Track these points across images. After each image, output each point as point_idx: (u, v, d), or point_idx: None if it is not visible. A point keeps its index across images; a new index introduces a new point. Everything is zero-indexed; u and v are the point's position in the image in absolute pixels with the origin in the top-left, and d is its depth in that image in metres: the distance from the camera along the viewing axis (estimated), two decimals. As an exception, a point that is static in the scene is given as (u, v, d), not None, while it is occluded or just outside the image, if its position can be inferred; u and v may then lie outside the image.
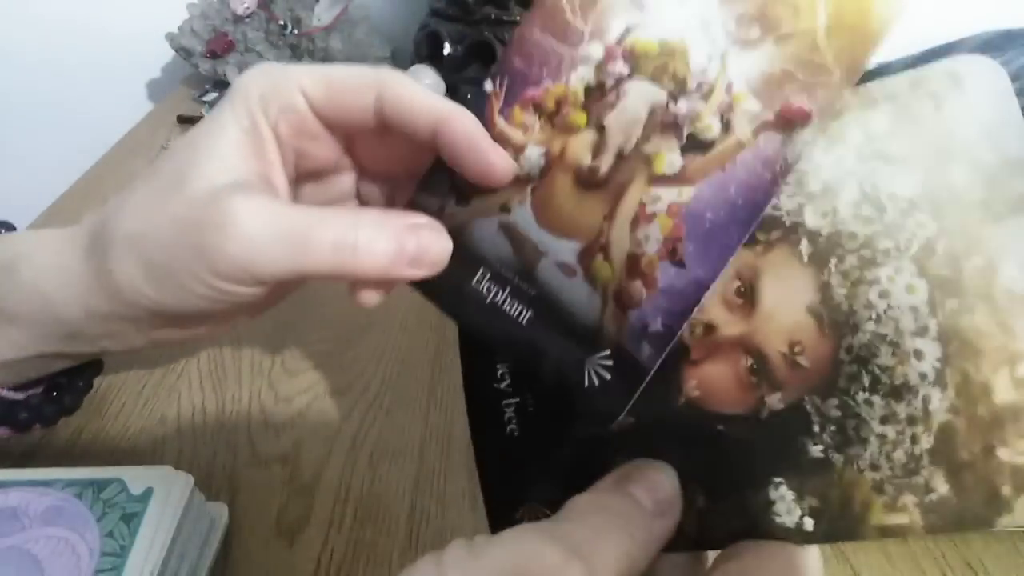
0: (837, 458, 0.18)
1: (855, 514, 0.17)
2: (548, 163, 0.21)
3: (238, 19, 0.64)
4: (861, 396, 0.18)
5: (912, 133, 0.18)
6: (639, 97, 0.20)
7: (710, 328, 0.19)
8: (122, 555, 0.23)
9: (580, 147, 0.20)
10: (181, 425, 0.33)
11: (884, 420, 0.18)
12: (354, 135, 0.24)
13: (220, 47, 0.64)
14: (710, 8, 0.20)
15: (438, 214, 0.21)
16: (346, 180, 0.25)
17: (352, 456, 0.32)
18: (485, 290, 0.21)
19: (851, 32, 0.19)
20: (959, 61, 0.18)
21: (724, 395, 0.19)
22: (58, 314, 0.23)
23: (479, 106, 0.21)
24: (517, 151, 0.21)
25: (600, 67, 0.21)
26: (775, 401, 0.18)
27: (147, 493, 0.24)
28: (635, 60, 0.20)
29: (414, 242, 0.20)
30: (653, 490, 0.17)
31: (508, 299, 0.20)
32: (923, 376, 0.17)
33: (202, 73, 0.66)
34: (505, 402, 0.22)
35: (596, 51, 0.21)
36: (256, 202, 0.20)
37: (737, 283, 0.19)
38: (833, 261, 0.18)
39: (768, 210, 0.19)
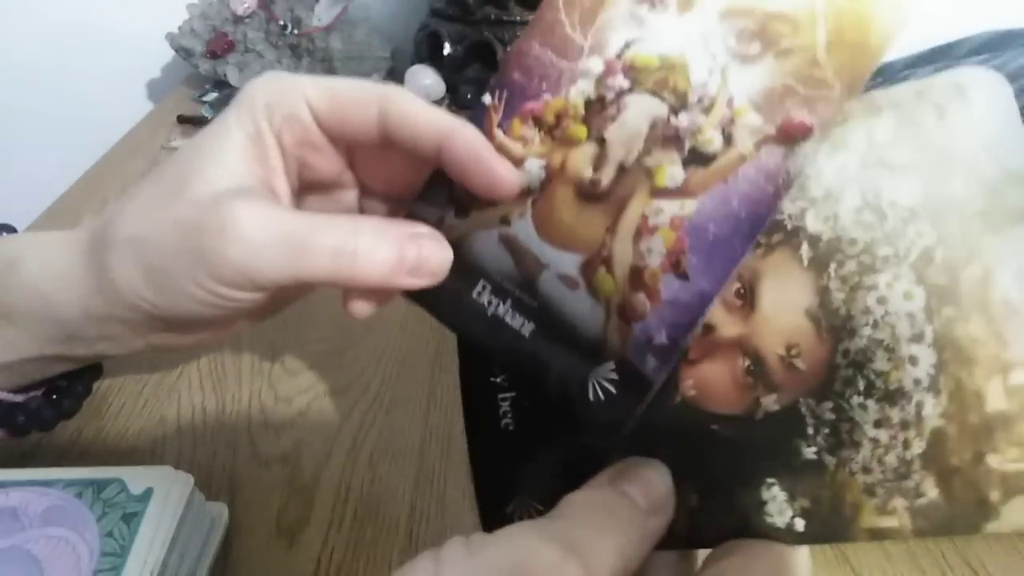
0: (830, 460, 0.18)
1: (846, 516, 0.18)
2: (548, 176, 0.21)
3: (238, 19, 0.64)
4: (856, 400, 0.18)
5: (915, 142, 0.18)
6: (640, 111, 0.20)
7: (708, 328, 0.19)
8: (122, 555, 0.23)
9: (581, 160, 0.20)
10: (181, 425, 0.33)
11: (878, 424, 0.18)
12: (357, 149, 0.24)
13: (220, 47, 0.64)
14: (710, 23, 0.20)
15: (437, 226, 0.21)
16: (349, 196, 0.25)
17: (352, 456, 0.32)
18: (486, 302, 0.21)
19: (851, 48, 0.19)
20: (964, 73, 0.18)
21: (720, 395, 0.19)
22: (57, 315, 0.23)
23: (478, 119, 0.21)
24: (517, 164, 0.21)
25: (600, 81, 0.21)
26: (770, 402, 0.19)
27: (147, 493, 0.24)
28: (635, 74, 0.20)
29: (414, 251, 0.20)
30: (647, 488, 0.17)
31: (509, 311, 0.20)
32: (917, 382, 0.18)
33: (202, 73, 0.66)
34: (501, 396, 0.22)
35: (596, 65, 0.21)
36: (257, 207, 0.20)
37: (737, 285, 0.19)
38: (833, 266, 0.19)
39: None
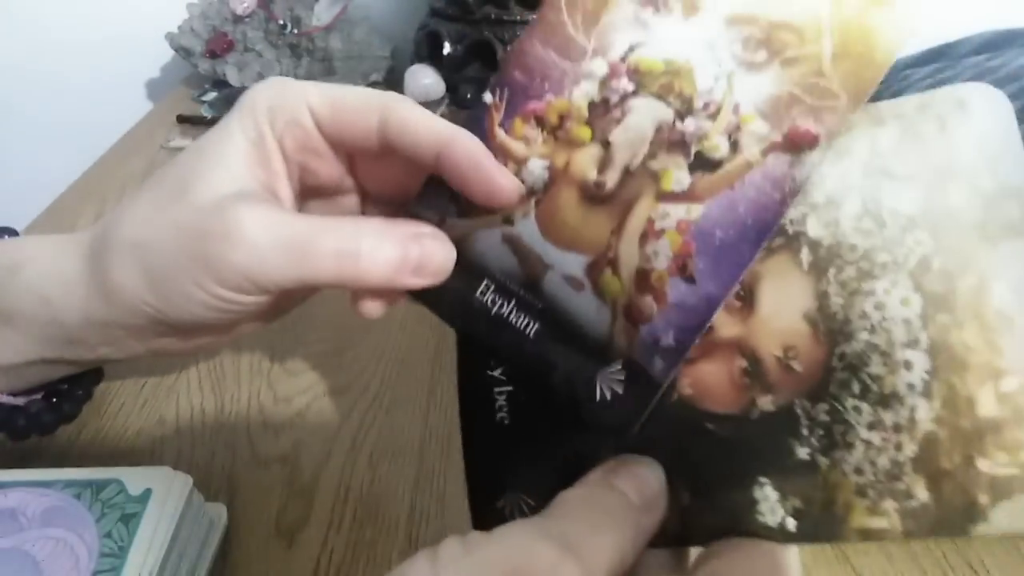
0: (823, 461, 0.18)
1: (837, 516, 0.18)
2: (552, 176, 0.21)
3: (238, 19, 0.64)
4: (850, 402, 0.18)
5: (916, 153, 0.19)
6: (645, 114, 0.20)
7: (707, 329, 0.19)
8: (121, 556, 0.23)
9: (585, 162, 0.20)
10: (180, 426, 0.33)
11: (871, 427, 0.18)
12: (357, 155, 0.24)
13: (220, 47, 0.64)
14: (716, 30, 0.20)
15: (439, 225, 0.21)
16: (350, 200, 0.25)
17: (352, 456, 0.32)
18: (490, 302, 0.20)
19: (856, 59, 0.19)
20: (966, 88, 0.19)
21: (716, 394, 0.19)
22: (59, 319, 0.23)
23: (479, 118, 0.21)
24: (519, 164, 0.21)
25: (604, 83, 0.21)
26: (766, 403, 0.19)
27: (146, 494, 0.24)
28: (640, 78, 0.20)
29: (417, 250, 0.20)
30: (640, 485, 0.17)
31: (514, 311, 0.20)
32: (911, 386, 0.18)
33: (202, 73, 0.66)
34: (497, 390, 0.22)
35: (599, 67, 0.21)
36: (260, 211, 0.20)
37: (737, 287, 0.19)
38: (832, 271, 0.19)
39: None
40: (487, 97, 0.21)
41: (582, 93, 0.21)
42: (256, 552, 0.28)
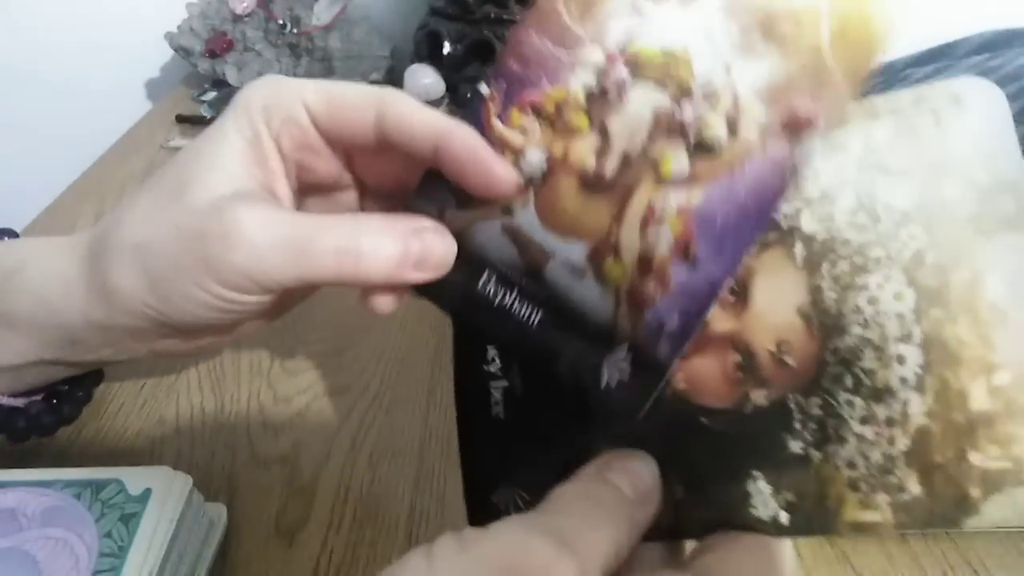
0: (815, 455, 0.18)
1: (829, 510, 0.18)
2: (550, 166, 0.21)
3: (237, 18, 0.64)
4: (843, 397, 0.18)
5: (911, 147, 0.19)
6: (643, 101, 0.20)
7: (704, 321, 0.20)
8: (120, 556, 0.23)
9: (583, 150, 0.20)
10: (180, 425, 0.33)
11: (864, 421, 0.18)
12: (355, 151, 0.24)
13: (219, 46, 0.64)
14: (713, 17, 0.20)
15: (438, 218, 0.21)
16: (348, 197, 0.25)
17: (351, 456, 0.32)
18: (492, 293, 0.20)
19: (854, 44, 0.19)
20: (962, 83, 0.19)
21: (710, 389, 0.19)
22: (60, 322, 0.23)
23: (476, 109, 0.21)
24: (517, 154, 0.21)
25: (601, 71, 0.20)
26: (759, 397, 0.19)
27: (145, 494, 0.24)
28: (637, 66, 0.20)
29: (417, 245, 0.20)
30: (634, 479, 0.17)
31: (516, 301, 0.20)
32: (904, 381, 0.18)
33: (201, 72, 0.66)
34: (493, 384, 0.22)
35: (596, 56, 0.21)
36: (259, 211, 0.20)
37: (737, 270, 0.19)
38: (826, 266, 0.19)
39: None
40: (483, 88, 0.21)
41: (579, 82, 0.21)
42: (256, 552, 0.28)
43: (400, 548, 0.28)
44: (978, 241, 0.18)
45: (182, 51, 0.65)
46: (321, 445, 0.32)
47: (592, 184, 0.20)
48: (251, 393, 0.35)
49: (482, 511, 0.21)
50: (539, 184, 0.21)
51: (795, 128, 0.19)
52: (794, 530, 0.18)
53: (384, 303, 0.22)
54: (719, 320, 0.19)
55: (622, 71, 0.20)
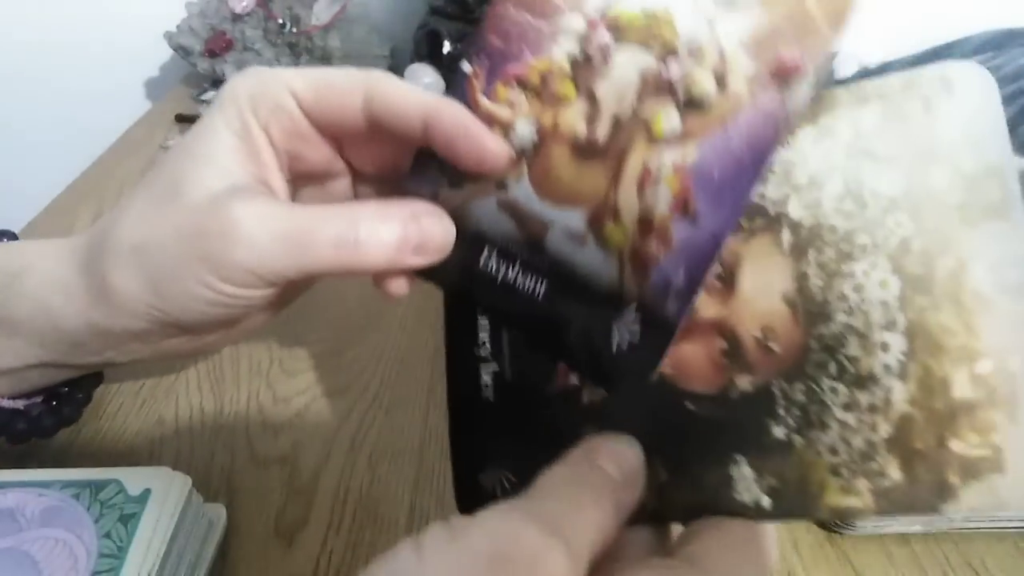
0: (798, 441, 0.18)
1: (811, 495, 0.18)
2: (541, 136, 0.20)
3: (236, 18, 0.64)
4: (827, 383, 0.18)
5: (900, 133, 0.19)
6: (628, 64, 0.20)
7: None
8: (120, 556, 0.22)
9: (573, 117, 0.20)
10: (179, 426, 0.33)
11: (846, 407, 0.18)
12: (346, 137, 0.24)
13: (219, 46, 0.64)
14: None
15: (432, 199, 0.21)
16: (342, 184, 0.25)
17: (351, 457, 0.32)
18: (494, 269, 0.20)
19: None
20: (952, 67, 0.19)
21: (696, 374, 0.20)
22: (62, 326, 0.23)
23: (460, 88, 0.21)
24: (506, 128, 0.21)
25: (583, 38, 0.20)
26: (744, 383, 0.19)
27: (145, 494, 0.24)
28: (619, 29, 0.20)
29: (416, 230, 0.20)
30: (620, 460, 0.18)
31: (519, 275, 0.20)
32: (887, 368, 0.18)
33: (200, 72, 0.66)
34: (483, 368, 0.22)
35: (577, 23, 0.20)
36: (256, 205, 0.20)
37: (718, 268, 0.20)
38: (812, 253, 0.19)
39: (754, 199, 0.19)
40: (466, 67, 0.21)
41: (562, 51, 0.21)
42: (255, 553, 0.28)
43: (400, 548, 0.28)
44: (964, 229, 0.18)
45: (181, 51, 0.65)
46: (321, 445, 0.32)
47: (585, 150, 0.20)
48: (250, 393, 0.35)
49: (470, 492, 0.22)
50: (531, 156, 0.20)
51: (783, 76, 0.19)
52: (776, 514, 0.18)
53: (397, 286, 0.22)
54: (706, 307, 0.20)
55: (604, 36, 0.20)
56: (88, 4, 0.72)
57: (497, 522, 0.15)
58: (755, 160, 0.19)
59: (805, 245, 0.19)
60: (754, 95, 0.19)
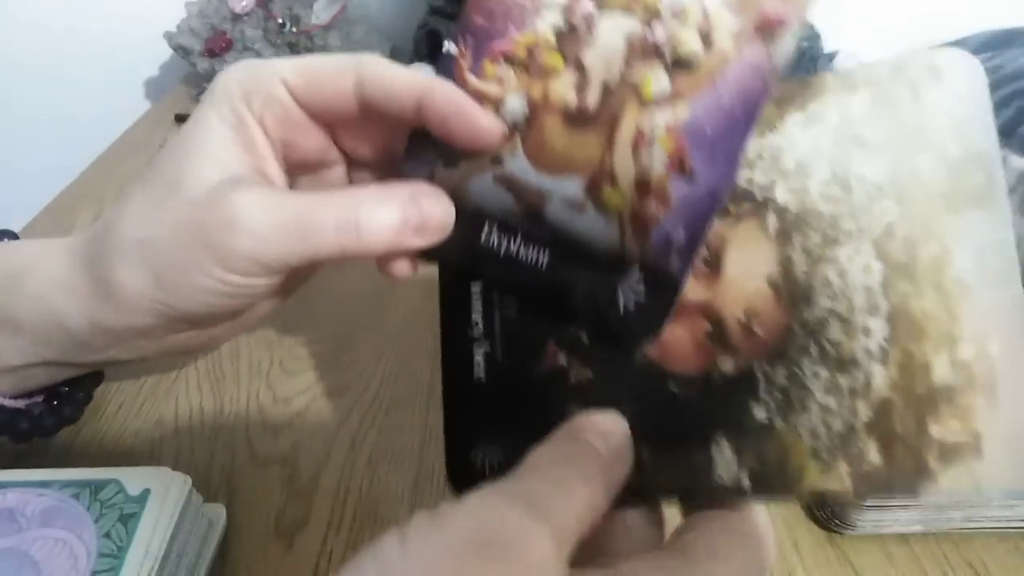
0: (779, 423, 0.19)
1: (791, 476, 0.18)
2: (532, 109, 0.21)
3: (236, 17, 0.64)
4: (809, 367, 0.19)
5: (888, 120, 0.19)
6: (613, 30, 0.20)
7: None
8: (119, 556, 0.22)
9: (563, 88, 0.20)
10: (179, 426, 0.33)
11: (828, 391, 0.18)
12: (339, 124, 0.24)
13: (218, 46, 0.64)
14: None
15: (429, 180, 0.21)
16: (337, 172, 0.25)
17: (351, 457, 0.32)
18: (496, 243, 0.21)
19: None
20: (940, 54, 0.19)
21: (681, 356, 0.20)
22: (67, 326, 0.23)
23: (447, 70, 0.21)
24: (496, 104, 0.21)
25: (567, 8, 0.21)
26: (728, 365, 0.19)
27: (145, 494, 0.24)
28: None
29: (416, 211, 0.20)
30: (606, 436, 0.18)
31: (522, 247, 0.20)
32: (869, 352, 0.18)
33: (200, 72, 0.66)
34: (476, 348, 0.22)
35: None
36: (256, 194, 0.20)
37: (704, 252, 0.20)
38: (797, 237, 0.19)
39: (741, 183, 0.20)
40: (451, 48, 0.21)
41: (546, 23, 0.21)
42: (255, 553, 0.28)
43: (400, 548, 0.28)
44: (948, 215, 0.18)
45: (181, 50, 0.65)
46: (321, 445, 0.32)
47: (577, 119, 0.20)
48: (251, 394, 0.35)
49: (460, 469, 0.22)
50: (524, 129, 0.21)
51: (767, 30, 0.19)
52: (756, 495, 0.19)
53: (400, 268, 0.22)
54: (692, 290, 0.20)
55: (587, 5, 0.20)
56: (88, 4, 0.72)
57: (480, 506, 0.15)
58: (746, 114, 0.19)
59: (791, 230, 0.19)
60: (740, 50, 0.19)
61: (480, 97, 0.21)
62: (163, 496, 0.24)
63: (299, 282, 0.25)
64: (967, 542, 0.28)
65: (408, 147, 0.22)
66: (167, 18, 0.65)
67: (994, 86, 0.41)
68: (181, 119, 0.63)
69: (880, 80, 0.19)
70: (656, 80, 0.20)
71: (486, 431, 0.22)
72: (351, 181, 0.26)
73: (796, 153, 0.19)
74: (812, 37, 0.54)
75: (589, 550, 0.16)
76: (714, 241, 0.20)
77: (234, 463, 0.31)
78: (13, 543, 0.23)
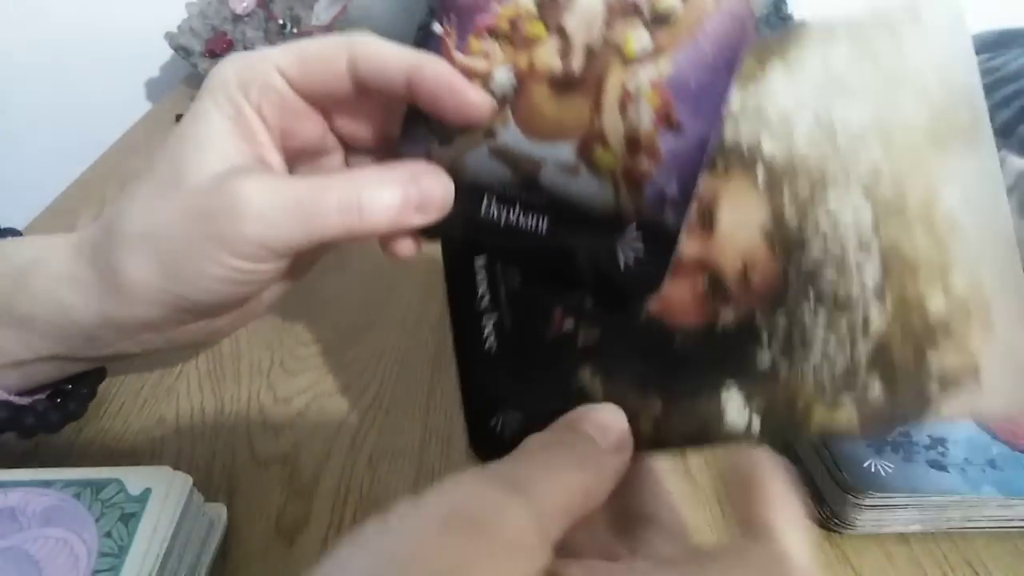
0: (784, 365, 0.19)
1: (799, 415, 0.19)
2: (519, 79, 0.21)
3: (237, 18, 0.64)
4: (807, 309, 0.19)
5: (869, 66, 0.19)
6: None
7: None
8: (120, 556, 0.23)
9: (547, 55, 0.21)
10: (180, 425, 0.33)
11: (828, 332, 0.19)
12: (335, 108, 0.24)
13: (219, 46, 0.64)
14: None
15: (426, 159, 0.22)
16: (334, 159, 0.26)
17: (352, 457, 0.32)
18: (495, 214, 0.21)
19: None
20: None
21: (683, 311, 0.21)
22: (75, 320, 0.23)
23: (434, 51, 0.22)
24: (485, 78, 0.21)
25: None
26: (728, 315, 0.20)
27: (145, 493, 0.24)
28: None
29: (416, 189, 0.20)
30: (604, 428, 0.18)
31: (521, 216, 0.21)
32: (865, 292, 0.19)
33: (201, 72, 0.66)
34: (485, 319, 0.23)
35: None
36: (259, 180, 0.20)
37: (697, 208, 0.20)
38: (787, 187, 0.20)
39: (728, 139, 0.20)
40: (436, 28, 0.22)
41: None
42: (256, 552, 0.28)
43: (400, 548, 0.28)
44: (934, 153, 0.19)
45: (182, 51, 0.65)
46: (321, 445, 0.32)
47: (563, 84, 0.21)
48: (251, 393, 0.35)
49: (483, 437, 0.23)
50: (513, 99, 0.21)
51: None
52: (767, 437, 0.19)
53: (404, 247, 0.22)
54: (688, 246, 0.20)
55: None
56: (88, 5, 0.72)
57: (458, 485, 0.15)
58: (728, 62, 0.19)
59: (779, 180, 0.20)
60: (718, 0, 0.20)
61: (468, 73, 0.21)
62: (164, 496, 0.24)
63: (304, 268, 0.26)
64: (967, 542, 0.28)
65: (403, 129, 0.22)
66: (168, 19, 0.65)
67: (994, 86, 0.41)
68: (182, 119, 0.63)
69: (860, 25, 0.19)
70: (637, 38, 0.20)
71: (502, 397, 0.22)
72: (348, 167, 0.26)
73: (780, 104, 0.20)
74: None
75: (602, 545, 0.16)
76: (706, 197, 0.20)
77: (235, 463, 0.31)
78: (14, 542, 0.23)
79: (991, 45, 0.46)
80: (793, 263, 0.19)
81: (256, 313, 0.26)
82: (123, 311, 0.22)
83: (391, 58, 0.21)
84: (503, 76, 0.21)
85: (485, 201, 0.21)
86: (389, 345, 0.38)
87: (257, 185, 0.20)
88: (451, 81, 0.20)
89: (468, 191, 0.21)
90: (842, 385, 0.19)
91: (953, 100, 0.19)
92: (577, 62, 0.20)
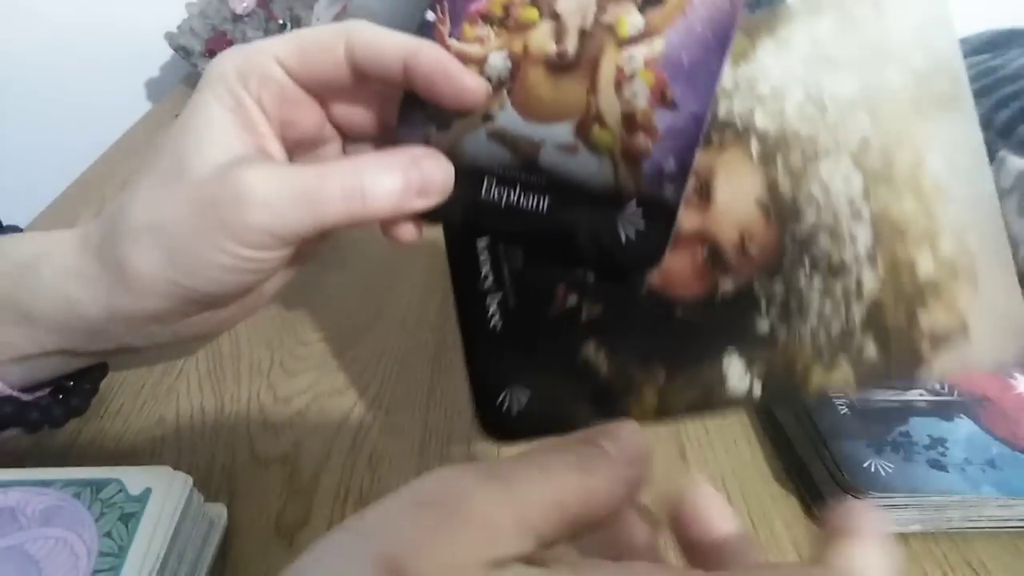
0: (782, 330, 0.20)
1: (798, 378, 0.20)
2: (514, 63, 0.21)
3: (237, 18, 0.64)
4: (803, 276, 0.20)
5: (854, 38, 0.20)
6: None
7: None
8: (120, 555, 0.23)
9: (541, 39, 0.21)
10: (180, 425, 0.33)
11: (823, 297, 0.20)
12: (334, 96, 0.24)
13: (219, 46, 0.64)
14: None
15: (425, 144, 0.22)
16: (333, 149, 0.26)
17: (352, 457, 0.32)
18: (496, 196, 0.21)
19: None
20: None
21: (682, 282, 0.21)
22: (81, 313, 0.23)
23: (428, 38, 0.22)
24: (480, 63, 0.21)
25: None
26: (727, 285, 0.21)
27: (145, 493, 0.24)
28: None
29: (417, 174, 0.21)
30: (617, 439, 0.17)
31: (521, 196, 0.21)
32: (857, 257, 0.20)
33: (201, 73, 0.66)
34: (489, 299, 0.23)
35: None
36: (262, 169, 0.20)
37: (694, 182, 0.21)
38: (780, 159, 0.21)
39: (722, 115, 0.21)
40: (429, 16, 0.22)
41: None
42: (256, 552, 0.28)
43: (400, 548, 0.28)
44: (918, 122, 0.20)
45: (182, 51, 0.65)
46: (321, 445, 0.32)
47: (559, 66, 0.21)
48: (251, 393, 0.35)
49: (491, 415, 0.23)
50: (509, 83, 0.21)
51: None
52: (768, 400, 0.20)
53: (405, 232, 0.22)
54: (686, 219, 0.21)
55: None
56: (88, 5, 0.72)
57: (438, 474, 0.15)
58: (719, 38, 0.20)
59: (773, 152, 0.21)
60: None
61: (463, 59, 0.21)
62: (164, 495, 0.24)
63: (305, 257, 0.26)
64: (966, 542, 0.28)
65: (400, 115, 0.22)
66: (168, 19, 0.65)
67: (994, 86, 0.41)
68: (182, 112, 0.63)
69: (843, 0, 0.20)
70: (630, 18, 0.21)
71: (509, 375, 0.23)
72: (346, 156, 0.26)
73: (770, 79, 0.21)
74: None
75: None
76: (702, 171, 0.21)
77: (235, 463, 0.31)
78: (14, 542, 0.23)
79: (991, 45, 0.46)
80: (788, 232, 0.20)
81: (259, 304, 0.26)
82: (131, 304, 0.22)
83: (388, 44, 0.21)
84: (498, 61, 0.21)
85: (485, 183, 0.21)
86: (389, 345, 0.38)
87: (261, 174, 0.20)
88: (447, 66, 0.21)
89: (468, 174, 0.21)
90: (838, 347, 0.20)
91: (935, 70, 0.19)
92: (571, 45, 0.21)
